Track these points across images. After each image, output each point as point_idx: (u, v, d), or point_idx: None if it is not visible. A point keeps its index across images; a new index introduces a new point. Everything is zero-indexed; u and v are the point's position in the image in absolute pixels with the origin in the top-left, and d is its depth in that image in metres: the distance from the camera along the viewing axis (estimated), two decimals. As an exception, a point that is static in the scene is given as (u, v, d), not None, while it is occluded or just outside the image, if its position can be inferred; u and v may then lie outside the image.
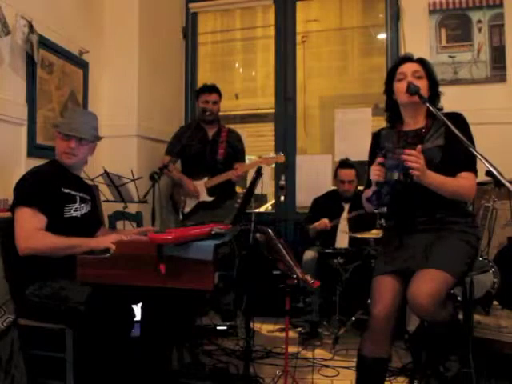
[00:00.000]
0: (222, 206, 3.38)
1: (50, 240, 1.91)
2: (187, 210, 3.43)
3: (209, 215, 3.14)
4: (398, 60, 2.06)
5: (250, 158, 3.96)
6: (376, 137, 2.13)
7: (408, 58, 2.00)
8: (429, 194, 1.83)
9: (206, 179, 3.40)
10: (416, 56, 2.03)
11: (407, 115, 2.01)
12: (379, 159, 1.82)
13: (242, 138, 3.59)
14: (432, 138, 1.93)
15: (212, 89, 3.45)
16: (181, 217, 3.40)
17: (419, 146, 1.78)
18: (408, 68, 1.96)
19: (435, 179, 1.81)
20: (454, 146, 1.83)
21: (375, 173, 1.81)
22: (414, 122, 1.99)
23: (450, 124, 1.71)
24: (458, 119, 1.87)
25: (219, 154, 3.40)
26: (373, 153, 2.03)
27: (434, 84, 1.98)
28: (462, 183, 1.86)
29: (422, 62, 1.99)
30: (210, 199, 3.39)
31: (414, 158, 1.73)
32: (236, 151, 3.48)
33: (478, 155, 1.60)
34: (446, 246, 1.84)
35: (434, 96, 1.98)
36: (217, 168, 3.37)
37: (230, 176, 3.28)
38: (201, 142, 3.45)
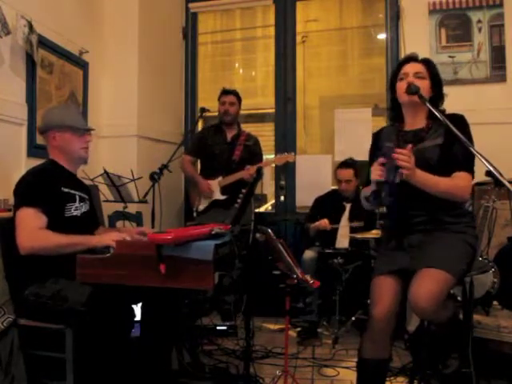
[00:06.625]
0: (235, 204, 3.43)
1: (52, 238, 1.90)
2: (201, 207, 3.52)
3: (222, 213, 3.17)
4: (402, 59, 2.06)
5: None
6: (376, 136, 2.12)
7: (412, 58, 2.00)
8: (426, 194, 1.82)
9: (220, 178, 3.47)
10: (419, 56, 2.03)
11: (408, 115, 2.00)
12: (380, 159, 1.81)
13: (259, 143, 3.66)
14: (431, 138, 1.92)
15: (229, 91, 3.56)
16: (195, 214, 3.51)
17: (409, 145, 1.79)
18: (411, 68, 1.95)
19: (425, 178, 1.79)
20: (452, 145, 1.83)
21: (376, 172, 1.80)
22: (414, 121, 1.98)
23: (450, 125, 1.71)
24: (458, 120, 1.87)
25: (235, 155, 3.50)
26: (373, 153, 2.03)
27: (437, 85, 1.97)
28: (455, 183, 1.84)
29: (426, 62, 1.99)
30: (223, 198, 3.45)
31: (404, 157, 1.73)
32: (253, 155, 3.53)
33: (477, 155, 1.60)
34: (446, 246, 1.83)
35: (437, 97, 1.97)
36: (231, 168, 3.44)
37: (242, 175, 3.30)
38: (219, 143, 3.56)
